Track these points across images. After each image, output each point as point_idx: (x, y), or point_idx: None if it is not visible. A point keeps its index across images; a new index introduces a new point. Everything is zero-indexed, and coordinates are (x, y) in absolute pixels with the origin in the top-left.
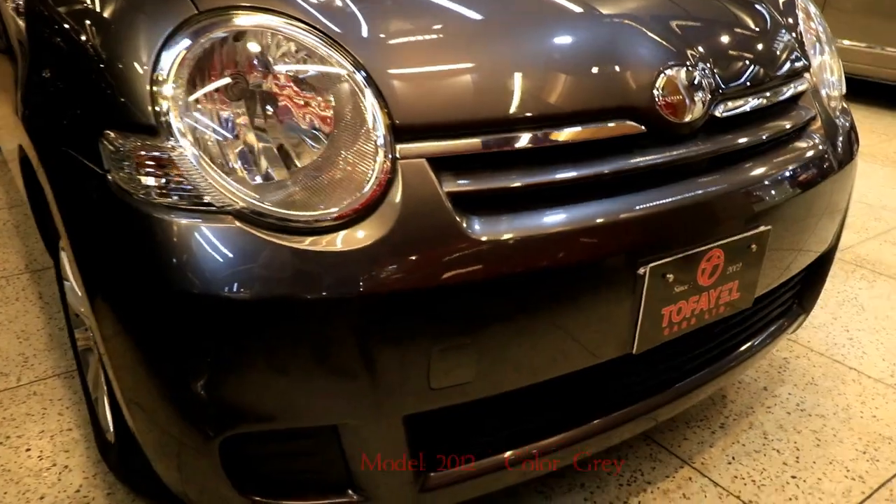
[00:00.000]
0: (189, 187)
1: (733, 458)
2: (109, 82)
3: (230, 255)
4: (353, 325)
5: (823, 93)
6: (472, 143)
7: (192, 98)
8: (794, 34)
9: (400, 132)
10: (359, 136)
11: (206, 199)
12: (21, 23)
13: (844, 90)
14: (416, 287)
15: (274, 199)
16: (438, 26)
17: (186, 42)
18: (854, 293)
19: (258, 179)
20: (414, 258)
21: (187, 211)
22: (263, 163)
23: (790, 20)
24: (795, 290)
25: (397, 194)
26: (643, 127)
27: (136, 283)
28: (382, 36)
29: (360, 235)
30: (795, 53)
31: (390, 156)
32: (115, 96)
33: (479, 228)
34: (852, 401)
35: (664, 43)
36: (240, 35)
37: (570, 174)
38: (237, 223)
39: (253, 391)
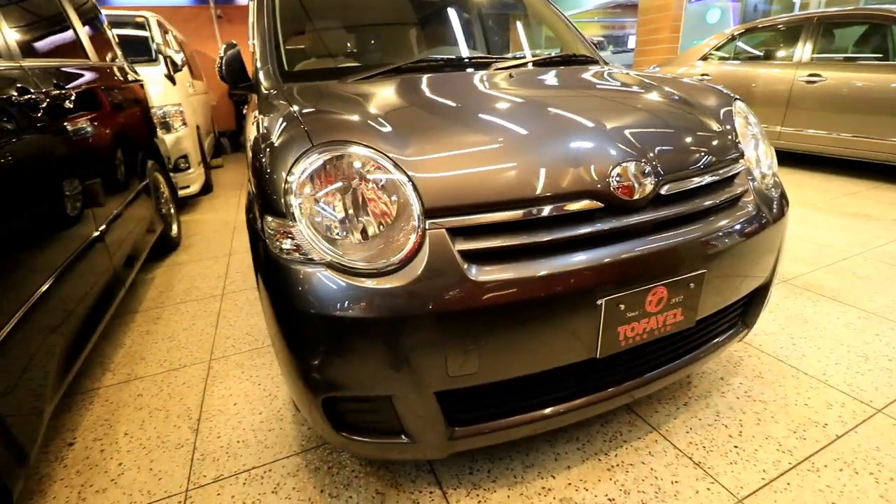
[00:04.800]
0: (303, 249)
1: (691, 429)
2: (269, 189)
3: (326, 289)
4: (400, 332)
5: (758, 173)
6: (474, 219)
7: (305, 196)
8: (730, 135)
9: (429, 213)
10: (407, 218)
11: (312, 255)
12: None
13: (776, 169)
14: (436, 309)
15: (356, 256)
16: (452, 145)
17: (305, 163)
18: (800, 310)
19: (349, 243)
20: (435, 291)
21: (303, 263)
22: (353, 235)
23: (727, 126)
24: (741, 311)
25: (426, 251)
26: (601, 204)
27: (281, 303)
28: (420, 157)
29: (404, 277)
30: (729, 146)
31: (422, 227)
32: (271, 196)
33: (475, 272)
34: (790, 391)
35: (621, 145)
36: (340, 157)
37: (545, 237)
38: (329, 271)
39: (340, 370)
